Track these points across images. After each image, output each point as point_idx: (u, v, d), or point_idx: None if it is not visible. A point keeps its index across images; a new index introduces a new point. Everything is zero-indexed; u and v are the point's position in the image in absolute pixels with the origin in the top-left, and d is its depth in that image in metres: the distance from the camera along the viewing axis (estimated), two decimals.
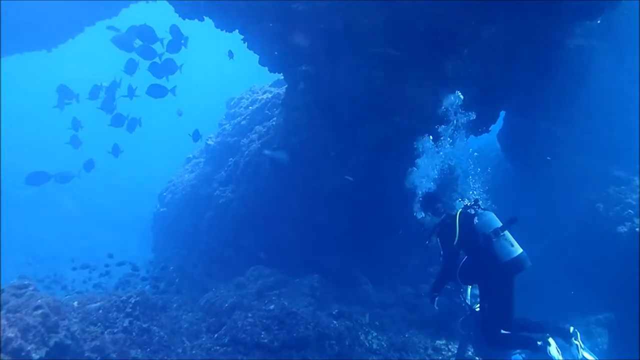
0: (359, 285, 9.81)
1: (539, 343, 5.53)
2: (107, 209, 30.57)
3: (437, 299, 6.21)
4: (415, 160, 7.52)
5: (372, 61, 7.46)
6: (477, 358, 7.41)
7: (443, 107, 7.61)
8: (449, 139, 7.62)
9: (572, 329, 5.66)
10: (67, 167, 14.48)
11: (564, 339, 5.61)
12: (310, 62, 7.93)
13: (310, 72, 7.88)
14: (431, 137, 7.59)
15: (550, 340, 5.50)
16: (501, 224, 5.65)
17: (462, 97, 7.46)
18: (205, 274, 11.35)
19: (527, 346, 5.74)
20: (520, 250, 5.56)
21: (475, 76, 7.91)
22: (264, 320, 7.12)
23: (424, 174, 7.30)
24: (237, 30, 8.89)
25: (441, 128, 7.62)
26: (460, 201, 6.34)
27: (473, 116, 7.51)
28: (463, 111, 7.54)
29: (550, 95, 9.82)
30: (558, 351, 5.43)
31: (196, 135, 13.90)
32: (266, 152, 9.72)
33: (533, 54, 8.45)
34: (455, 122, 7.55)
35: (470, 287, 7.19)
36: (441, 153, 7.59)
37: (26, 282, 5.86)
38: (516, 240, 5.61)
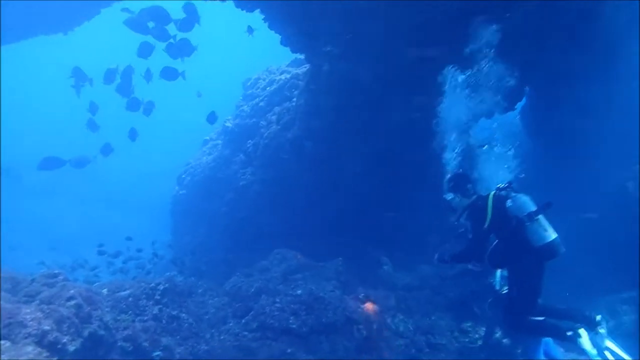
0: (380, 266, 9.76)
1: (568, 333, 5.33)
2: (124, 191, 30.77)
3: (441, 262, 6.24)
4: (437, 110, 7.05)
5: (401, 40, 7.20)
6: (504, 340, 7.34)
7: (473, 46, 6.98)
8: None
9: (599, 317, 5.48)
10: (83, 151, 14.56)
11: (590, 327, 5.42)
12: (335, 42, 7.71)
13: (335, 52, 7.66)
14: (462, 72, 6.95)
15: (582, 331, 5.29)
16: (535, 208, 5.48)
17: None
18: (226, 257, 11.36)
19: (555, 335, 5.58)
20: (555, 235, 5.37)
21: (503, 50, 7.65)
22: (292, 306, 7.08)
23: (452, 147, 6.92)
24: (257, 10, 8.68)
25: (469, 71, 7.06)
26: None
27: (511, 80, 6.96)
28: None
29: (578, 71, 9.51)
30: (590, 343, 5.22)
31: (212, 118, 13.81)
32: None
33: (563, 26, 8.15)
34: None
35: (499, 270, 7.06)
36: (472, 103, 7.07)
37: (56, 271, 5.90)
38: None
